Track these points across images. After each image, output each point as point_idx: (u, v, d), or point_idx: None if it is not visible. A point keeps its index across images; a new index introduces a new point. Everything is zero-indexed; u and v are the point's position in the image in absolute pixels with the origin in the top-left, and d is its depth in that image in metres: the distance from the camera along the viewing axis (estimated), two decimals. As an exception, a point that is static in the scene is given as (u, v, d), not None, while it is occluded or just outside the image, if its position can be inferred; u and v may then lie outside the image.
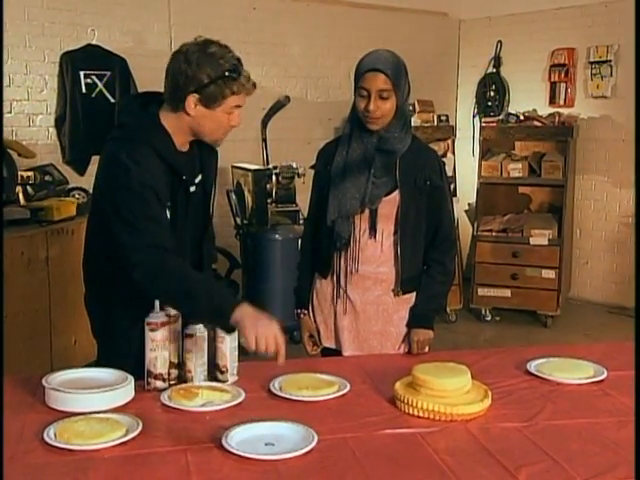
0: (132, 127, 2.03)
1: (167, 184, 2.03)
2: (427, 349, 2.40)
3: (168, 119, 2.04)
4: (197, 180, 2.16)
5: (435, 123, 5.83)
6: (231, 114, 2.01)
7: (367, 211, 2.34)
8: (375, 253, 2.37)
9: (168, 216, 2.04)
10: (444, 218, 2.42)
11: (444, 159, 5.12)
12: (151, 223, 1.97)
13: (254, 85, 2.01)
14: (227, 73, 1.94)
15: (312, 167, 2.53)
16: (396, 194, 2.33)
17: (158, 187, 1.99)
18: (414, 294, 2.42)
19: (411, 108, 5.38)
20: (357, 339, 2.42)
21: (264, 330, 1.81)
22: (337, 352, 2.45)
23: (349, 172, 2.34)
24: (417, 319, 2.40)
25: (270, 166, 5.04)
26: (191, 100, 1.97)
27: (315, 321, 2.50)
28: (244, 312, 1.85)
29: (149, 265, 1.92)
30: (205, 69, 1.94)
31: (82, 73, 4.67)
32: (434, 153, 2.52)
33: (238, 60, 1.99)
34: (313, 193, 2.50)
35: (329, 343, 2.48)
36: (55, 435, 1.63)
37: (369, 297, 2.40)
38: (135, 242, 1.94)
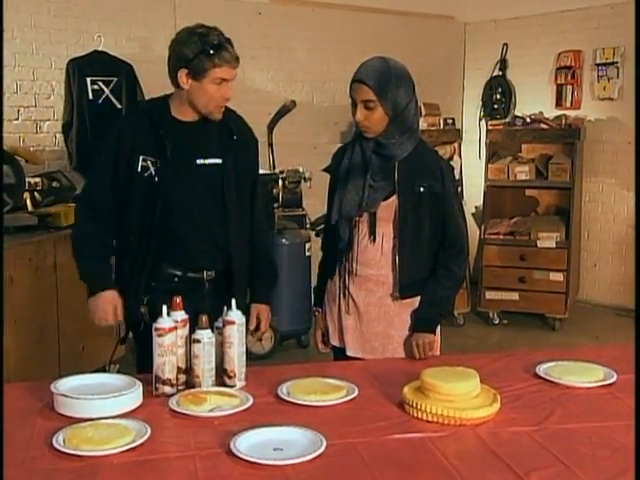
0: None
1: (150, 139, 2.28)
2: (437, 352, 2.39)
3: (173, 96, 2.34)
4: (212, 161, 2.33)
5: (441, 126, 5.82)
6: (221, 86, 2.24)
7: (367, 214, 2.35)
8: (375, 256, 2.38)
9: (153, 172, 2.28)
10: (450, 224, 2.39)
11: (450, 162, 5.11)
12: (94, 175, 2.39)
13: (237, 59, 2.25)
14: (208, 48, 2.19)
15: (325, 170, 2.55)
16: (394, 198, 2.33)
17: (128, 129, 2.31)
18: (417, 299, 2.41)
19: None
20: (360, 339, 2.43)
21: (97, 307, 2.29)
22: (340, 351, 2.46)
23: (351, 175, 2.37)
24: (418, 322, 2.39)
25: (276, 171, 5.04)
26: (182, 75, 2.23)
27: (326, 319, 2.52)
28: (97, 297, 2.30)
29: (75, 217, 2.44)
30: (190, 46, 2.21)
31: (89, 79, 4.68)
32: (437, 159, 2.46)
33: (223, 38, 2.24)
34: (329, 195, 2.53)
35: (335, 342, 2.49)
36: (64, 441, 1.63)
37: (371, 299, 2.40)
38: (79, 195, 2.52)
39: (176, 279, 2.35)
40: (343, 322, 2.45)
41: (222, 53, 2.20)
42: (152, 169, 2.29)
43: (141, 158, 2.28)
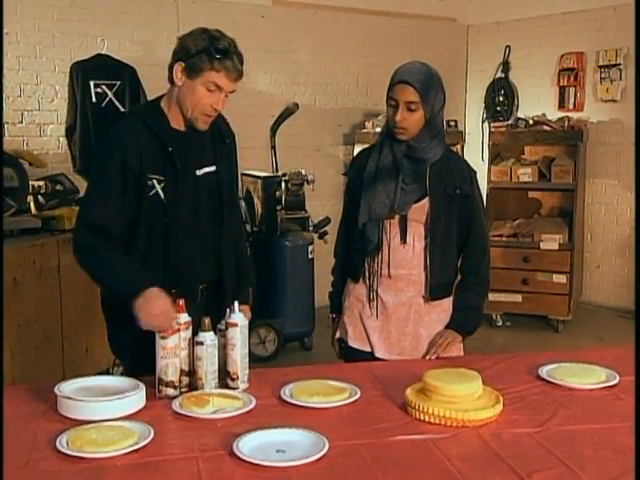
0: (132, 109, 2.14)
1: (157, 157, 2.14)
2: (462, 353, 2.40)
3: (166, 96, 2.22)
4: (208, 169, 2.24)
5: (444, 128, 5.82)
6: (212, 94, 2.11)
7: (398, 216, 2.37)
8: (406, 257, 2.39)
9: (160, 191, 2.14)
10: (475, 227, 2.44)
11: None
12: (99, 200, 2.14)
13: (240, 73, 2.12)
14: (213, 50, 2.08)
15: (344, 174, 2.57)
16: (426, 201, 2.35)
17: (133, 148, 2.12)
18: (445, 300, 2.44)
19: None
20: (388, 340, 2.44)
21: (151, 310, 1.98)
22: (364, 353, 2.45)
23: (380, 177, 2.38)
24: (454, 322, 2.42)
25: (279, 173, 5.05)
26: (178, 69, 2.12)
27: (344, 322, 2.52)
28: (143, 295, 2.00)
29: (83, 247, 2.14)
30: (197, 41, 2.11)
31: (92, 83, 4.68)
32: (465, 163, 2.56)
33: (234, 49, 2.11)
34: (346, 199, 2.55)
35: (359, 344, 2.48)
36: (67, 443, 1.63)
37: (401, 299, 2.42)
38: (79, 221, 2.18)
39: (173, 291, 2.14)
40: (370, 324, 2.45)
41: (225, 59, 2.08)
42: (158, 187, 2.14)
43: (149, 177, 2.14)
